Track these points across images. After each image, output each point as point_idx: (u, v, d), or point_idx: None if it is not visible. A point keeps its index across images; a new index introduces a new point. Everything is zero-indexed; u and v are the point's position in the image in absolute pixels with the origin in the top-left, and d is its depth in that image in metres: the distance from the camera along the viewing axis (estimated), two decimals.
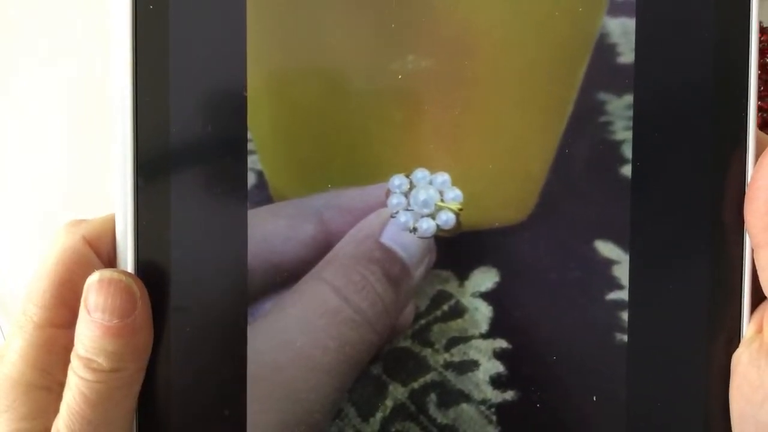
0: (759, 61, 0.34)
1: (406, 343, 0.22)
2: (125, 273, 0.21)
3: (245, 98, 0.21)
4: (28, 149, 0.36)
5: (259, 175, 0.22)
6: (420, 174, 0.21)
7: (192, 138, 0.21)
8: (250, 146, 0.21)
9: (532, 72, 0.21)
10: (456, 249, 0.22)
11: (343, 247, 0.22)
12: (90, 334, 0.20)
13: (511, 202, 0.22)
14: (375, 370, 0.22)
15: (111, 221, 0.22)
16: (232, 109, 0.21)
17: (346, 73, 0.21)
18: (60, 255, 0.21)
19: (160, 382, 0.22)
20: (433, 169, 0.22)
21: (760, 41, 0.33)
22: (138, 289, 0.21)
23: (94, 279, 0.20)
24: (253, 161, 0.21)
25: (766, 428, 0.20)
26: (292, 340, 0.22)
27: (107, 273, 0.21)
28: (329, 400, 0.22)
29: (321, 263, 0.22)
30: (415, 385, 0.22)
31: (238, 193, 0.21)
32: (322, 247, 0.22)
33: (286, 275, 0.22)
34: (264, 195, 0.22)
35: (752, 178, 0.20)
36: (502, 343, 0.22)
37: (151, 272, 0.21)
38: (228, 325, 0.22)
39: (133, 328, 0.20)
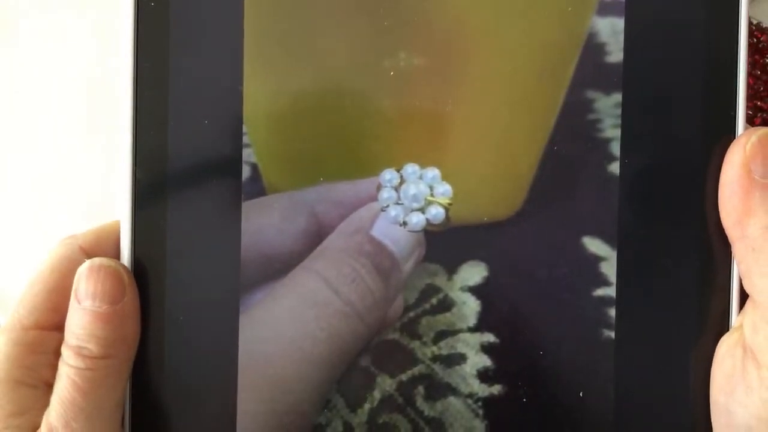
0: (759, 62, 0.34)
1: (395, 336, 0.22)
2: (114, 260, 0.21)
3: (241, 92, 0.22)
4: (28, 149, 0.36)
5: (254, 168, 0.22)
6: (410, 169, 0.22)
7: (189, 131, 0.22)
8: (244, 139, 0.22)
9: (522, 70, 0.22)
10: (445, 243, 0.22)
11: (334, 240, 0.22)
12: (80, 322, 0.21)
13: (500, 197, 0.22)
14: (363, 362, 0.22)
15: (108, 230, 0.22)
16: (228, 103, 0.22)
17: (340, 69, 0.22)
18: (54, 263, 0.22)
19: (152, 369, 0.22)
20: (423, 165, 0.22)
21: (760, 41, 0.33)
22: (126, 276, 0.21)
23: (84, 267, 0.21)
24: (247, 154, 0.22)
25: (736, 417, 0.20)
26: (283, 331, 0.22)
27: (97, 260, 0.21)
28: (318, 390, 0.22)
29: (312, 255, 0.22)
30: (403, 377, 0.22)
31: (233, 185, 0.22)
32: (314, 239, 0.22)
33: (279, 267, 0.22)
34: (258, 188, 0.22)
35: (721, 173, 0.21)
36: (489, 337, 0.22)
37: (146, 262, 0.22)
38: (220, 315, 0.22)
39: (122, 315, 0.21)
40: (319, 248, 0.22)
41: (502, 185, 0.22)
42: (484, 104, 0.22)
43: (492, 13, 0.21)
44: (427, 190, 0.22)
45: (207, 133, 0.22)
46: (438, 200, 0.22)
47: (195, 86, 0.22)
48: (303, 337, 0.22)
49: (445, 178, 0.22)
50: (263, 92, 0.22)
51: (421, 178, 0.22)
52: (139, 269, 0.22)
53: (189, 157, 0.22)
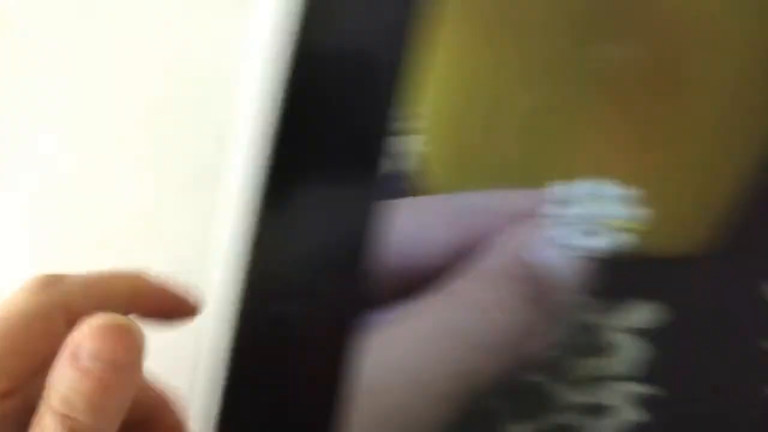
0: None
1: (535, 376, 0.19)
2: (131, 320, 0.17)
3: (403, 85, 0.18)
4: (28, 150, 0.34)
5: (398, 165, 0.18)
6: (585, 184, 0.18)
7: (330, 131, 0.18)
8: (401, 132, 0.18)
9: (748, 76, 0.18)
10: (611, 275, 0.19)
11: (481, 259, 0.19)
12: (76, 386, 0.16)
13: (688, 229, 0.19)
14: (494, 403, 0.19)
15: (97, 280, 0.18)
16: (381, 97, 0.18)
17: (528, 60, 0.18)
18: (23, 318, 0.17)
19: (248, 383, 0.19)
20: (601, 180, 0.18)
21: None
22: (138, 337, 0.17)
23: (93, 324, 0.17)
24: (396, 149, 0.18)
25: None
26: (408, 360, 0.19)
27: (110, 318, 0.17)
28: (438, 429, 0.19)
29: (454, 275, 0.19)
30: (539, 425, 0.19)
31: (372, 182, 0.18)
32: (458, 254, 0.19)
33: (413, 284, 0.19)
34: (402, 188, 0.19)
35: None
36: (648, 389, 0.19)
37: (256, 268, 0.19)
38: (337, 334, 0.19)
39: (129, 383, 0.17)
40: (462, 266, 0.19)
41: (694, 215, 0.19)
42: (693, 115, 0.18)
43: (718, 4, 0.17)
44: (602, 212, 0.18)
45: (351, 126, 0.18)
46: (613, 225, 0.18)
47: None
48: (429, 368, 0.19)
49: (627, 199, 0.18)
50: (433, 81, 0.18)
51: (596, 196, 0.18)
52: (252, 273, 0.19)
53: (326, 153, 0.18)
